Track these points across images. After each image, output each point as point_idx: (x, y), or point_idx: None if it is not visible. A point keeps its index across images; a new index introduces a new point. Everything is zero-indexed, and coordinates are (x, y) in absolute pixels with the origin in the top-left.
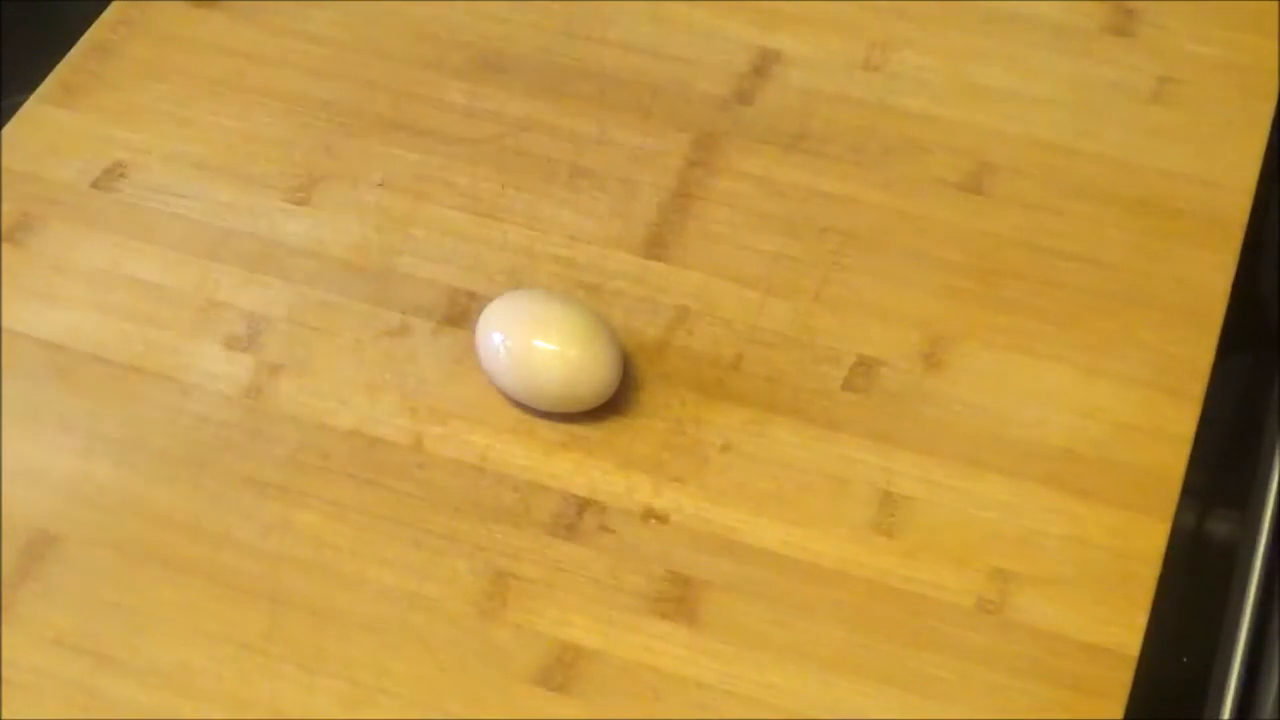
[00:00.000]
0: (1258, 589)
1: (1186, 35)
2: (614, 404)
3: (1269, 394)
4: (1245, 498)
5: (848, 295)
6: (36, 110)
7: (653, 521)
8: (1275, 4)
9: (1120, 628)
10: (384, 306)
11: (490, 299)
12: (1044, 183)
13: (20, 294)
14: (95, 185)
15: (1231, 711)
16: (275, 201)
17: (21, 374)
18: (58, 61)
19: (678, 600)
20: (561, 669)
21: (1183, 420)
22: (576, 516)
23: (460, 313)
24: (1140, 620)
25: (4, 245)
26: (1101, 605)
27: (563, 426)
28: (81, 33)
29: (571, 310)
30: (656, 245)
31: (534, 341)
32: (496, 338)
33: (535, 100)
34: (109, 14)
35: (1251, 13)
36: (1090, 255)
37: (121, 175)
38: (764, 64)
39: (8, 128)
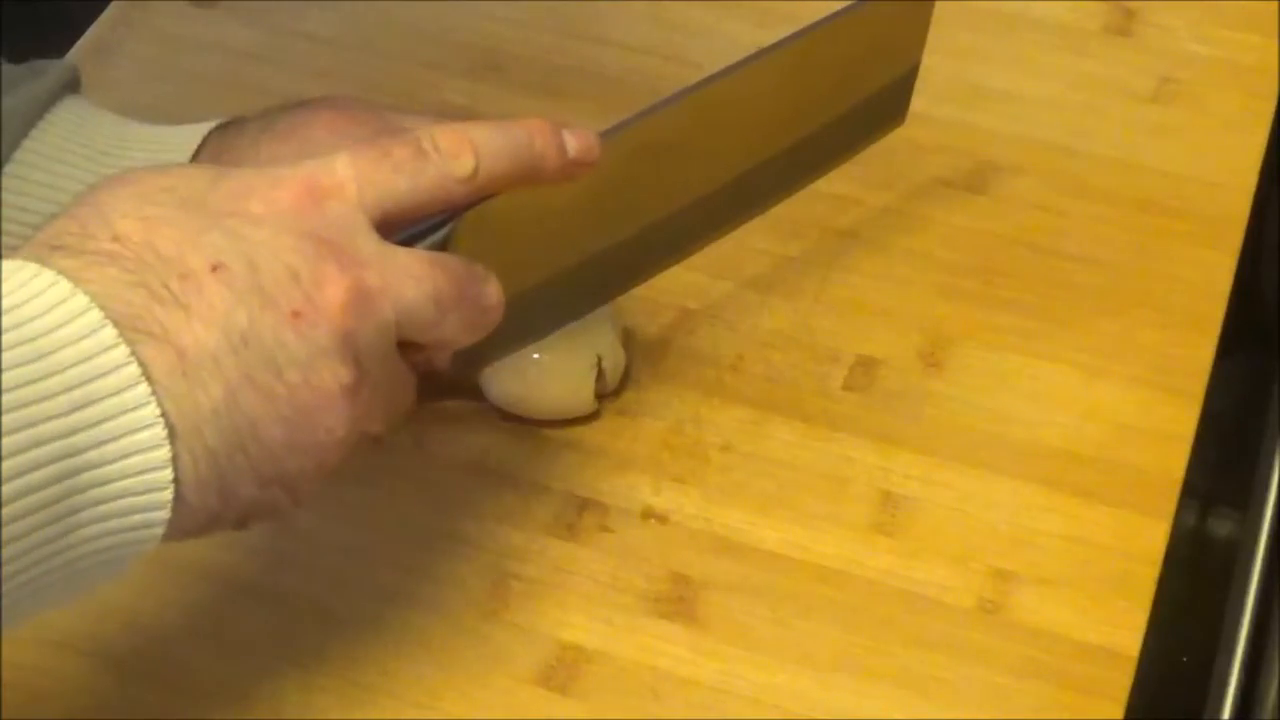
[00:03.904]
0: (1258, 589)
1: (1186, 35)
2: (614, 404)
3: (1269, 394)
4: (1245, 498)
5: (848, 295)
6: None
7: (653, 521)
8: (1275, 4)
9: (1120, 628)
10: None
11: None
12: (1044, 183)
13: None
14: None
15: (1231, 711)
16: None
17: None
18: None
19: (678, 600)
20: (561, 669)
21: (1183, 420)
22: (576, 516)
23: None
24: (1140, 620)
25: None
26: (1101, 605)
27: (562, 427)
28: (81, 33)
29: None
30: None
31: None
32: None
33: (535, 100)
34: (109, 14)
35: (1251, 13)
36: (1090, 255)
37: None
38: None
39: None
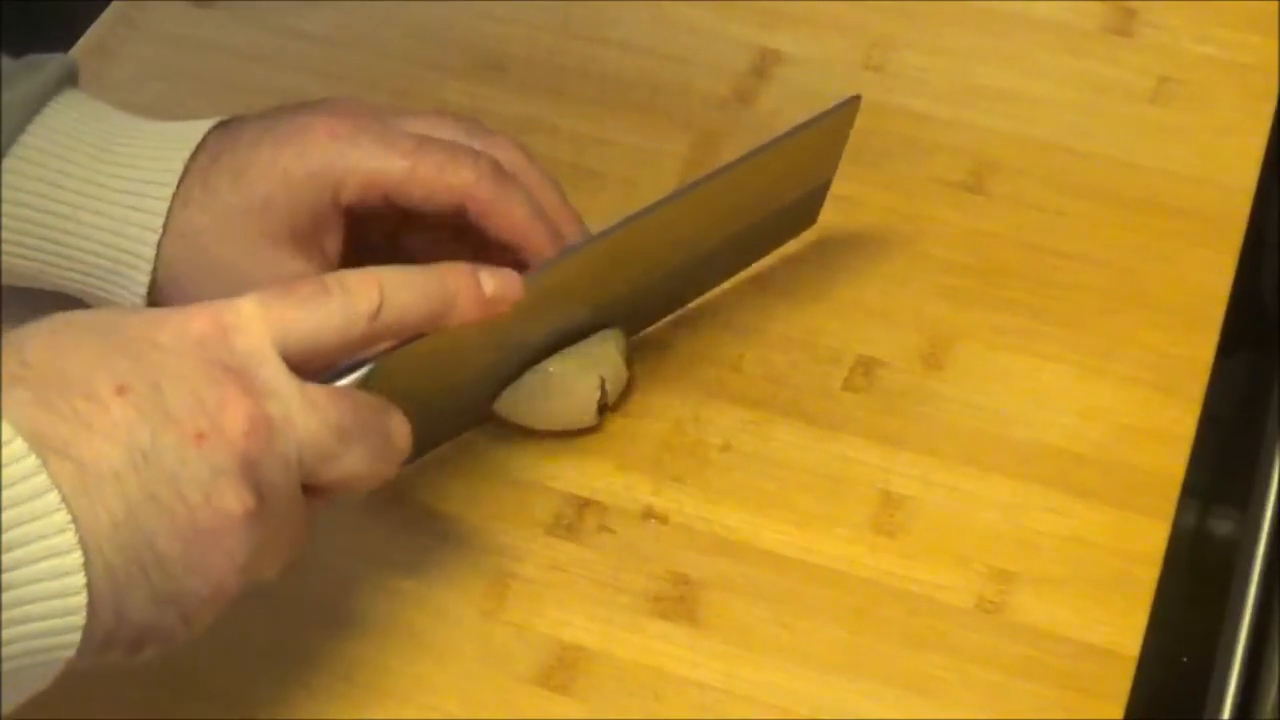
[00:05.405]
0: (1258, 589)
1: (1186, 35)
2: (614, 404)
3: (1269, 394)
4: (1245, 498)
5: (848, 295)
6: None
7: (653, 521)
8: (1275, 4)
9: (1120, 628)
10: None
11: None
12: (1044, 183)
13: None
14: None
15: (1231, 711)
16: None
17: None
18: None
19: (678, 600)
20: (561, 669)
21: (1183, 420)
22: (576, 516)
23: None
24: (1140, 620)
25: None
26: (1101, 605)
27: (561, 437)
28: (81, 33)
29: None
30: None
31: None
32: None
33: (535, 100)
34: (109, 14)
35: (1251, 13)
36: (1090, 255)
37: None
38: (764, 64)
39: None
